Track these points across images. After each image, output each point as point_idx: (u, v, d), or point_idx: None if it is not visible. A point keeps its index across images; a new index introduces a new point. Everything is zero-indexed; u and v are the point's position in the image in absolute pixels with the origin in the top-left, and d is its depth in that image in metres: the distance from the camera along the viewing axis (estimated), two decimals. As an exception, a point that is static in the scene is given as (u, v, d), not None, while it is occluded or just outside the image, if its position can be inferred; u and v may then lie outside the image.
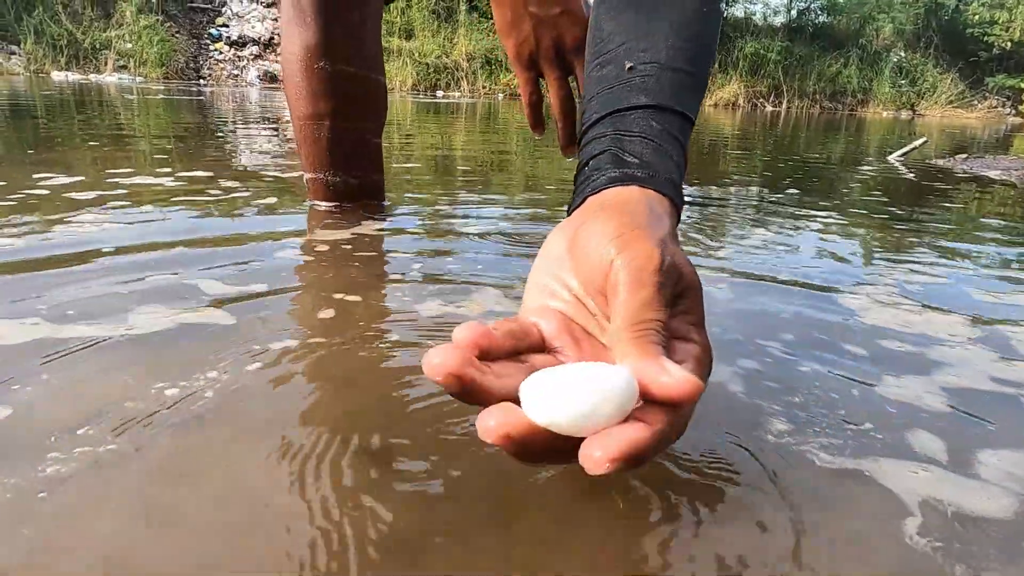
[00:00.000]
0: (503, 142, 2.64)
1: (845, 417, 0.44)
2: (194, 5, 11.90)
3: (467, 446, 0.37)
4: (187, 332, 0.52)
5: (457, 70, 11.03)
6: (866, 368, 0.52)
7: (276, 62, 11.53)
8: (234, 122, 2.95)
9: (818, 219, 1.16)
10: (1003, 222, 1.26)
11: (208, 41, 11.58)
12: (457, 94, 10.47)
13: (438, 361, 0.26)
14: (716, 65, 11.78)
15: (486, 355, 0.29)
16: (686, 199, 1.21)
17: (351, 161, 0.99)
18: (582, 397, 0.25)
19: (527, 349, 0.31)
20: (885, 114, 11.52)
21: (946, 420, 0.45)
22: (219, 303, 0.58)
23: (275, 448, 0.37)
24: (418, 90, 10.57)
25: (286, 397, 0.43)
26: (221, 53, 11.52)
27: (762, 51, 11.77)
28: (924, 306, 0.67)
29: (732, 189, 1.51)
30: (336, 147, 0.95)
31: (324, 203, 1.00)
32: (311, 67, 0.90)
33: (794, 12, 12.95)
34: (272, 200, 1.09)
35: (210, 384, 0.44)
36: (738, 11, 12.98)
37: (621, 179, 0.37)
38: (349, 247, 0.79)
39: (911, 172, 2.16)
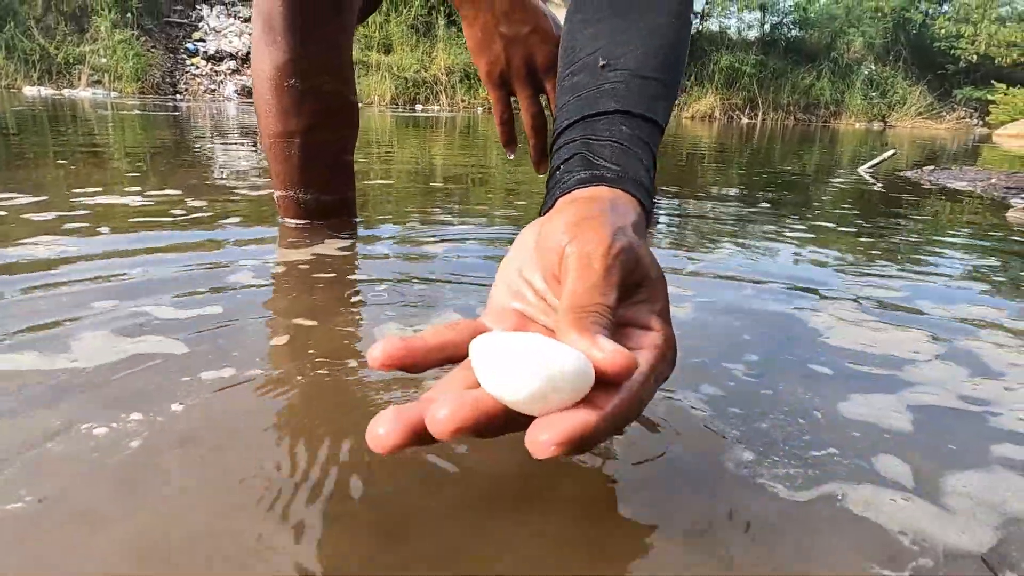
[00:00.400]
0: (482, 156, 2.63)
1: (809, 443, 0.43)
2: (170, 20, 11.81)
3: (410, 469, 0.36)
4: (131, 363, 0.50)
5: (436, 84, 11.05)
6: (831, 390, 0.51)
7: (254, 76, 11.43)
8: (210, 137, 2.91)
9: (788, 235, 1.16)
10: (968, 235, 1.27)
11: (184, 55, 11.49)
12: (436, 108, 10.48)
13: (382, 432, 0.26)
14: (692, 78, 11.95)
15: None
16: (661, 214, 1.21)
17: (323, 179, 0.98)
18: (539, 378, 0.25)
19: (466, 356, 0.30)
20: (858, 125, 11.74)
21: (912, 442, 0.44)
22: (170, 330, 0.56)
23: (214, 497, 0.35)
24: (397, 104, 10.56)
25: (227, 435, 0.41)
26: (198, 68, 11.43)
27: (737, 64, 11.97)
28: (889, 323, 0.67)
29: (708, 204, 1.52)
30: (307, 165, 0.95)
31: (295, 221, 0.99)
32: (281, 85, 0.90)
33: (767, 26, 13.19)
34: (240, 219, 1.06)
35: (144, 425, 0.42)
36: (713, 25, 13.19)
37: (590, 180, 0.38)
38: (314, 268, 0.77)
39: (881, 184, 2.19)
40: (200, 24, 11.98)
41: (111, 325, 0.56)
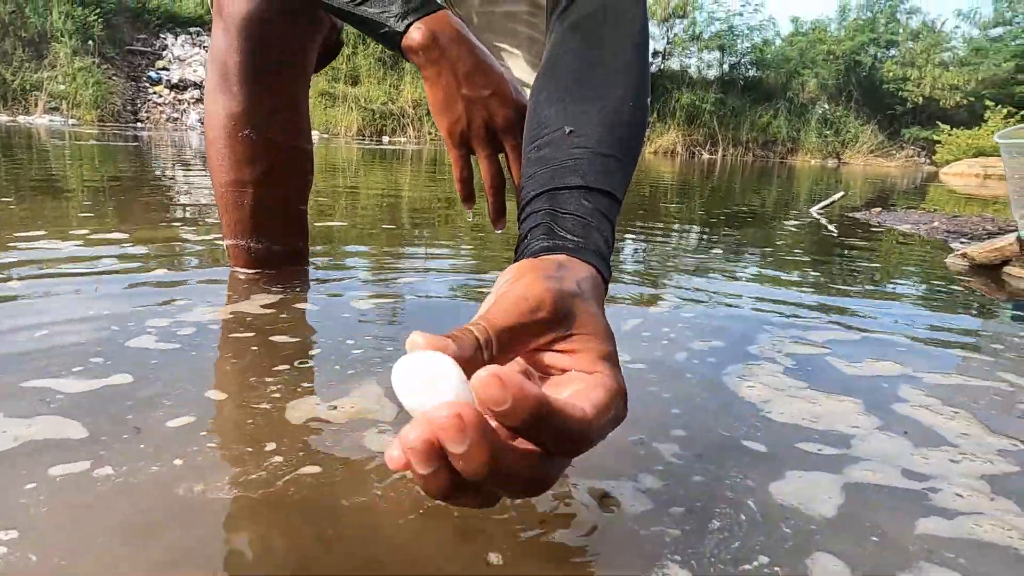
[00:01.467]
0: (449, 189, 2.62)
1: (739, 548, 0.40)
2: (133, 48, 11.68)
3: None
4: (17, 453, 0.45)
5: (403, 116, 11.11)
6: (764, 475, 0.49)
7: (218, 106, 11.33)
8: (170, 172, 2.84)
9: (735, 286, 1.17)
10: (911, 283, 1.29)
11: (147, 84, 11.35)
12: (403, 140, 10.51)
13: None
14: (656, 114, 12.24)
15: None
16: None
17: (275, 229, 0.97)
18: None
19: None
20: (813, 162, 12.15)
21: (852, 538, 0.42)
22: (70, 406, 0.52)
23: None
24: (363, 135, 10.57)
25: (112, 537, 0.37)
26: (161, 96, 11.29)
27: (697, 102, 12.33)
28: (828, 392, 0.66)
29: (666, 248, 1.52)
30: (259, 214, 0.94)
31: (245, 270, 0.97)
32: (235, 135, 0.89)
33: (726, 66, 13.66)
34: (187, 268, 1.02)
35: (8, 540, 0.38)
36: (674, 64, 13.61)
37: (552, 248, 0.41)
38: (252, 323, 0.73)
39: (832, 226, 2.24)
40: (164, 52, 11.87)
41: (3, 402, 0.51)
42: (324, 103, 10.86)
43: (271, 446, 0.48)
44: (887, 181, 7.11)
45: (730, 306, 0.98)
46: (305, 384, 0.59)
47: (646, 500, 0.44)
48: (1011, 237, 1.38)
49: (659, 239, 1.67)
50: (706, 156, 11.83)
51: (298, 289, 0.91)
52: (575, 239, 0.42)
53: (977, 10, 21.13)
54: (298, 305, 0.83)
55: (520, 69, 1.25)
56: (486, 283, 1.02)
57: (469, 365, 0.29)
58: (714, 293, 1.06)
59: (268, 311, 0.80)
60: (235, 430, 0.50)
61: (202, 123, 10.29)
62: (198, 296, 0.85)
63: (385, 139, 10.51)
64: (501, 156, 0.72)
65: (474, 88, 0.68)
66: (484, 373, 0.25)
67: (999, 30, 14.82)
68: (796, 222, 2.26)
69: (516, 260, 0.42)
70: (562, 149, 0.47)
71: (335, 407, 0.53)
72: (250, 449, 0.47)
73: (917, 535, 0.43)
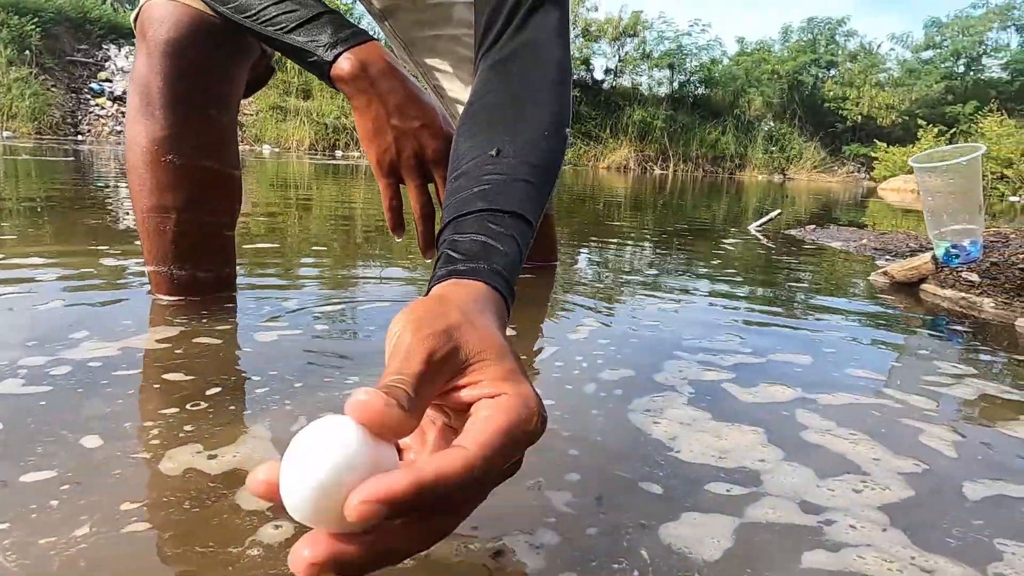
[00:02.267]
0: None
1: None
2: (74, 58, 11.28)
3: None
4: None
5: (356, 131, 10.97)
6: (661, 521, 0.49)
7: (164, 119, 11.00)
8: (105, 189, 2.73)
9: (657, 310, 1.18)
10: (835, 298, 1.33)
11: (89, 96, 10.96)
12: (356, 155, 10.40)
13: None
14: (608, 130, 12.45)
15: None
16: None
17: (199, 255, 0.94)
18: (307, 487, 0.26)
19: None
20: (760, 177, 12.52)
21: None
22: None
23: None
24: (316, 150, 10.41)
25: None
26: (103, 108, 10.91)
27: (649, 118, 12.60)
28: (733, 423, 0.66)
29: (600, 269, 1.53)
30: (182, 241, 0.91)
31: (167, 297, 0.94)
32: (157, 160, 0.87)
33: (676, 84, 14.01)
34: (98, 296, 0.97)
35: None
36: (626, 81, 13.89)
37: (446, 275, 0.42)
38: (154, 359, 0.70)
39: (769, 242, 2.30)
40: (107, 64, 11.50)
41: None
42: (275, 117, 10.68)
43: (129, 505, 0.45)
44: (829, 196, 7.37)
45: (649, 329, 0.98)
46: (189, 429, 0.55)
47: (540, 556, 0.42)
48: (927, 256, 1.43)
49: (611, 253, 1.68)
50: (658, 171, 12.07)
51: (212, 319, 0.87)
52: (469, 263, 0.42)
53: (909, 34, 22.25)
54: (202, 339, 0.79)
55: (459, 89, 1.25)
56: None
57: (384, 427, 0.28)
58: (637, 314, 1.06)
59: (163, 345, 0.76)
60: (99, 481, 0.47)
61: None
62: (97, 328, 0.81)
63: (338, 154, 10.38)
64: (432, 186, 0.72)
65: (404, 119, 0.68)
66: (353, 500, 0.25)
67: (930, 53, 15.65)
68: (735, 240, 2.30)
69: (441, 272, 0.43)
70: (473, 178, 0.49)
71: (214, 456, 0.50)
72: (103, 502, 0.44)
73: (796, 571, 0.43)
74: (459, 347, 0.34)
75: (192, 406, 0.60)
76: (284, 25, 0.69)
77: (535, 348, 0.85)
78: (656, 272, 1.53)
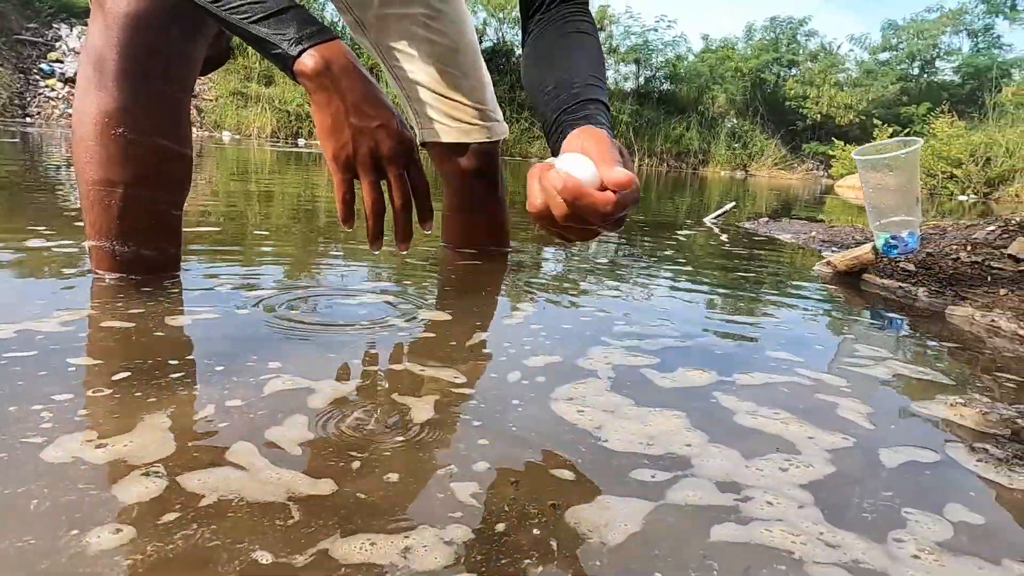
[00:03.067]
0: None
1: None
2: (22, 37, 10.80)
3: None
4: None
5: (319, 121, 10.78)
6: (582, 513, 0.48)
7: (118, 103, 10.63)
8: (56, 168, 2.61)
9: (597, 295, 1.17)
10: (778, 289, 1.34)
11: (38, 77, 10.52)
12: (319, 143, 10.21)
13: None
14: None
15: None
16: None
17: (145, 233, 0.92)
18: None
19: None
20: (723, 173, 12.72)
21: (634, 560, 0.41)
22: None
23: None
24: (278, 138, 10.19)
25: None
26: (53, 90, 10.49)
27: (615, 113, 12.65)
28: (658, 408, 0.65)
29: (543, 260, 1.52)
30: (128, 217, 0.89)
31: (108, 274, 0.92)
32: (108, 132, 0.85)
33: (642, 79, 14.12)
34: (36, 271, 0.92)
35: None
36: (593, 75, 13.88)
37: (596, 124, 0.66)
38: (35, 344, 0.66)
39: (724, 234, 2.33)
40: (57, 44, 11.05)
41: None
42: (236, 103, 10.41)
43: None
44: (789, 192, 7.51)
45: (585, 316, 0.97)
46: (82, 414, 0.52)
47: (447, 551, 0.41)
48: (867, 247, 1.46)
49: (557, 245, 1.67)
50: (623, 166, 12.13)
51: (139, 300, 0.83)
52: (602, 123, 0.68)
53: (867, 35, 22.81)
54: (118, 323, 0.76)
55: (418, 70, 1.23)
56: (346, 301, 0.97)
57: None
58: (577, 301, 1.06)
59: (66, 328, 0.72)
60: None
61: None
62: (23, 308, 0.76)
63: (301, 141, 10.18)
64: (384, 183, 0.75)
65: (362, 118, 0.71)
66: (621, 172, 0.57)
67: (886, 55, 16.08)
68: (690, 232, 2.33)
69: (576, 125, 0.67)
70: (571, 87, 0.73)
71: (104, 444, 0.48)
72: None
73: (699, 546, 0.43)
74: (619, 153, 0.62)
75: (94, 392, 0.57)
76: (250, 15, 0.70)
77: (467, 334, 0.83)
78: (606, 261, 1.53)
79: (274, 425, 0.54)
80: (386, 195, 0.76)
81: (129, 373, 0.62)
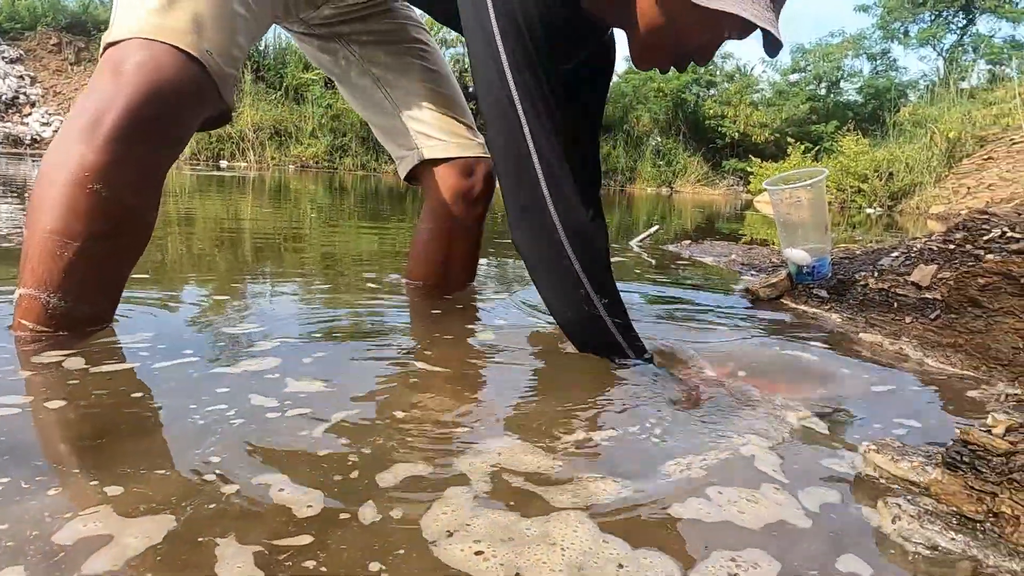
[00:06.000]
0: (289, 219, 2.41)
1: None
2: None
3: None
4: None
5: (243, 140, 10.45)
6: None
7: (20, 123, 9.96)
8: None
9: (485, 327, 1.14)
10: (703, 311, 1.35)
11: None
12: (243, 165, 9.87)
13: None
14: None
15: None
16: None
17: (89, 289, 0.89)
18: None
19: None
20: (649, 190, 13.10)
21: None
22: None
23: None
24: (199, 160, 9.78)
25: None
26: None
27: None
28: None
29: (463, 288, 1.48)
30: (76, 271, 0.85)
31: (34, 325, 0.86)
32: (83, 186, 0.83)
33: (569, 99, 14.36)
34: None
35: None
36: (521, 95, 14.06)
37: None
38: None
39: (649, 257, 2.36)
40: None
41: None
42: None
43: None
44: (712, 208, 7.79)
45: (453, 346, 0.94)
46: None
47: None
48: (783, 273, 1.50)
49: (491, 268, 1.63)
50: (554, 184, 12.29)
51: (87, 356, 0.74)
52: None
53: (778, 58, 24.13)
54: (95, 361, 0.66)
55: (419, 92, 1.28)
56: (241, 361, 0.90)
57: None
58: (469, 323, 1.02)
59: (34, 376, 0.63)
60: None
61: (9, 141, 9.00)
62: None
63: (223, 163, 9.82)
64: None
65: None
66: None
67: (796, 76, 17.06)
68: (617, 259, 2.34)
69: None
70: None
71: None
72: None
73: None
74: None
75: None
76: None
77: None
78: (523, 287, 1.50)
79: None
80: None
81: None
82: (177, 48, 0.87)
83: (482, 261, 1.59)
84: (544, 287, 0.94)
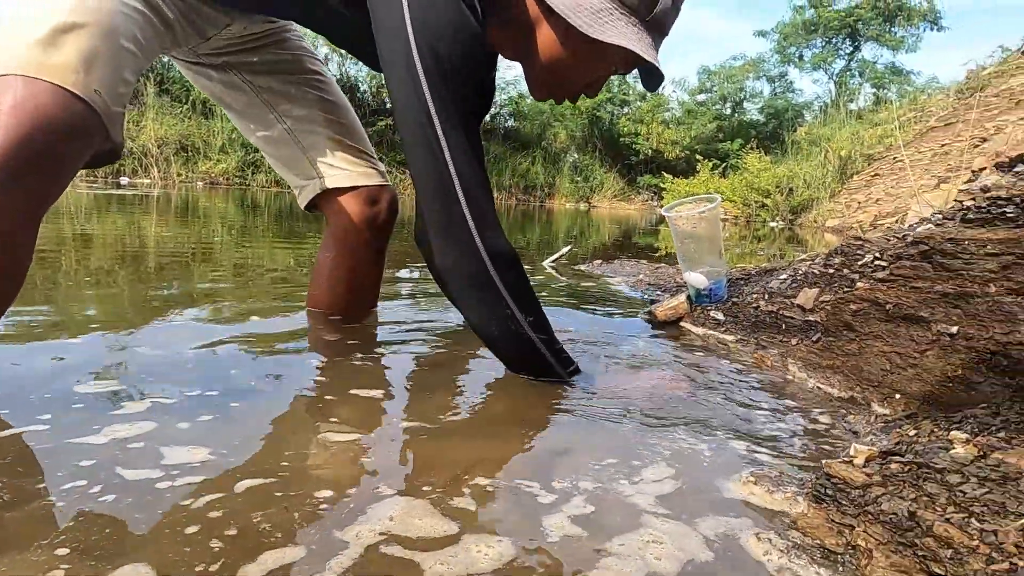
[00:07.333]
0: (206, 242, 2.27)
1: None
2: None
3: None
4: None
5: (146, 156, 9.90)
6: None
7: None
8: None
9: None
10: (603, 336, 1.38)
11: None
12: (147, 182, 9.33)
13: None
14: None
15: None
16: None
17: None
18: None
19: None
20: (568, 205, 13.38)
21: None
22: None
23: None
24: (96, 176, 9.16)
25: None
26: None
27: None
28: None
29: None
30: None
31: None
32: None
33: (487, 116, 14.54)
34: None
35: None
36: (440, 112, 14.08)
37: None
38: None
39: (563, 277, 2.39)
40: None
41: None
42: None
43: None
44: (628, 222, 8.04)
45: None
46: None
47: None
48: (683, 297, 1.56)
49: (397, 289, 1.60)
50: (475, 200, 12.34)
51: None
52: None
53: (686, 79, 25.36)
54: None
55: (317, 122, 1.26)
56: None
57: None
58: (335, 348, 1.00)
59: None
60: None
61: None
62: None
63: (124, 180, 9.26)
64: None
65: None
66: None
67: (703, 96, 17.96)
68: (534, 279, 2.36)
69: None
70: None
71: None
72: None
73: None
74: None
75: None
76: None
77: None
78: (426, 319, 1.48)
79: None
80: None
81: None
82: (62, 88, 0.80)
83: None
84: (469, 308, 0.96)
